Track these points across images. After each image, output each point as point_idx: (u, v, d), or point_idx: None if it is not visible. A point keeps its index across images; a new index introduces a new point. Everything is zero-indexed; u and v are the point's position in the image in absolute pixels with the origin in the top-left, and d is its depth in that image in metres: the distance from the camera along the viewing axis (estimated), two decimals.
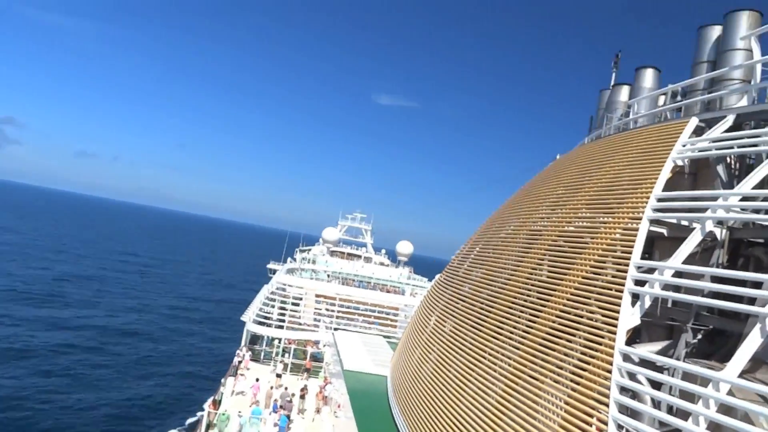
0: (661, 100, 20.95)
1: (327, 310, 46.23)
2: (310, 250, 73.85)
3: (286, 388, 29.72)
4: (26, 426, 37.49)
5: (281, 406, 27.32)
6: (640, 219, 14.25)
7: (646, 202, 14.54)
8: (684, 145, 15.77)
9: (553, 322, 14.66)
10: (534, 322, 15.47)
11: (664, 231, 15.63)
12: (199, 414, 44.01)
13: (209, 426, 24.43)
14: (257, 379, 31.17)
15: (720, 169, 15.79)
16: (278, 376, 34.51)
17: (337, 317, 45.46)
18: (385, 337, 42.98)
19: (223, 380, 32.69)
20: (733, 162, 16.92)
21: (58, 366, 50.29)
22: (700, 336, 14.90)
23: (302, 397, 29.35)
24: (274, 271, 62.21)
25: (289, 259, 68.65)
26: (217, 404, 27.15)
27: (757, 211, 13.48)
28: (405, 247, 71.00)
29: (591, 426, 11.63)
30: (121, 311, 77.96)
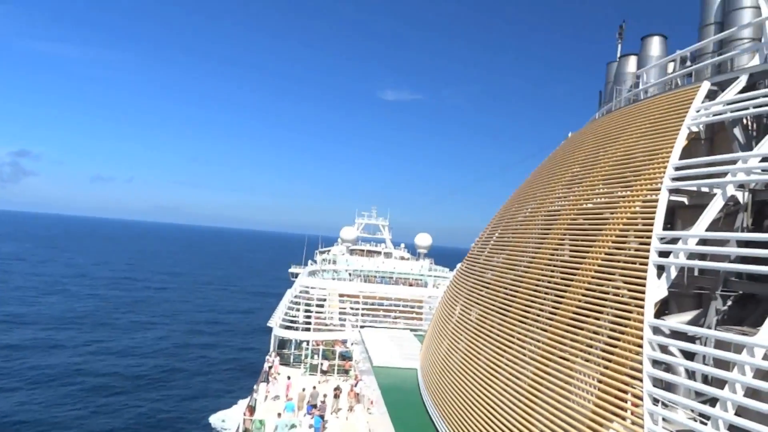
0: (671, 67, 20.57)
1: (351, 308, 46.37)
2: (329, 250, 74.06)
3: (314, 388, 29.96)
4: None
5: (314, 406, 27.48)
6: (659, 190, 14.05)
7: (664, 172, 14.32)
8: (698, 111, 15.49)
9: (579, 301, 14.54)
10: (560, 302, 15.36)
11: (684, 200, 15.37)
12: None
13: None
14: (288, 377, 31.51)
15: (737, 131, 15.48)
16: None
17: (363, 315, 45.58)
18: (411, 330, 42.99)
19: (255, 386, 33.05)
20: (749, 123, 16.59)
21: (78, 387, 50.49)
22: (730, 302, 14.67)
23: (336, 396, 29.52)
24: (296, 275, 62.48)
25: (309, 261, 68.92)
26: (252, 410, 27.45)
27: None
28: (424, 240, 70.90)
29: (626, 402, 11.52)
30: (143, 330, 78.73)
